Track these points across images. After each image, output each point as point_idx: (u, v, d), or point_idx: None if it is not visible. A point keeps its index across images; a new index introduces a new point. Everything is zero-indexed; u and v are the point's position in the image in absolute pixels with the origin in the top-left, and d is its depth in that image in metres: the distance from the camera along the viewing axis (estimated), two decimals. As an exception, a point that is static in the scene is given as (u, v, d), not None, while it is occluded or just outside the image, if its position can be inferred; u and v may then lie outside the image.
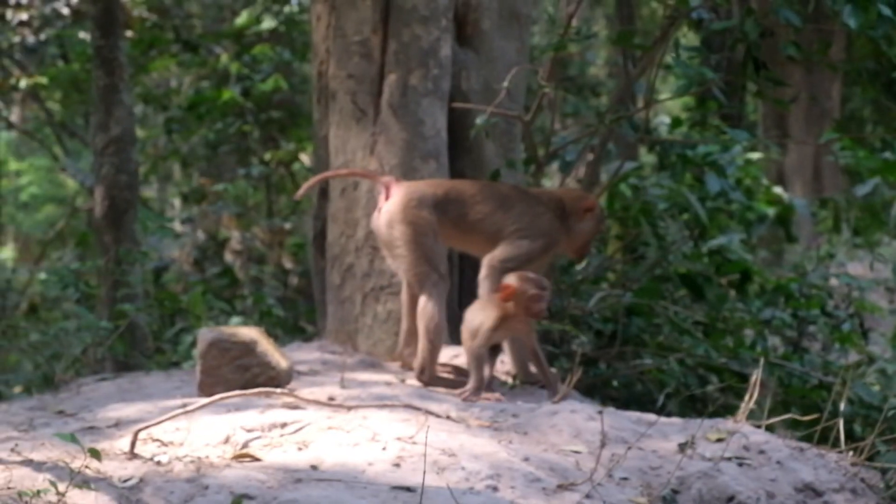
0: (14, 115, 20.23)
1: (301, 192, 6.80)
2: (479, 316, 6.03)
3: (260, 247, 13.17)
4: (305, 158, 13.95)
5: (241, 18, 15.53)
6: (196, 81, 17.00)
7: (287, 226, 12.63)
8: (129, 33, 15.13)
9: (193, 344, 7.29)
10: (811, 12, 6.45)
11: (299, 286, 11.96)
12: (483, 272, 6.32)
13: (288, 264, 12.37)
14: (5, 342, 8.61)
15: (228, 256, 13.48)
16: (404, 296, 6.46)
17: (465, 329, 6.06)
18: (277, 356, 5.73)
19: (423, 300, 6.23)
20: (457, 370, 6.48)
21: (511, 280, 5.95)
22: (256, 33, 15.09)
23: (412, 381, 6.17)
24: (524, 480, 4.29)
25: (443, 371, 6.36)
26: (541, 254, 6.41)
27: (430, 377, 6.14)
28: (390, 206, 6.28)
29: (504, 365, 6.63)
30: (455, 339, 6.65)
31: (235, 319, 9.37)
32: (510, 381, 6.50)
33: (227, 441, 4.52)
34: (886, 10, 6.04)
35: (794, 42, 6.94)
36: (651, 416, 5.52)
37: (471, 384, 5.89)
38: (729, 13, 13.86)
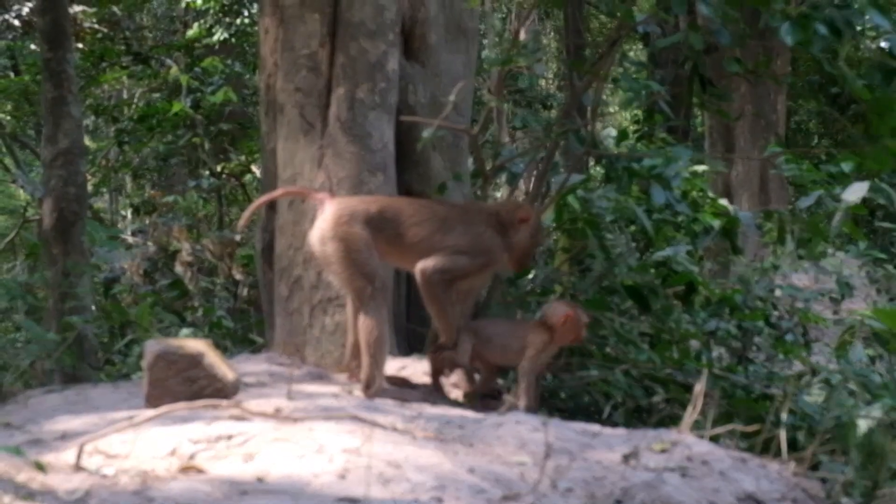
0: (-35, 127, 20.14)
1: (242, 221, 6.85)
2: (524, 338, 6.40)
3: (210, 258, 13.12)
4: (257, 170, 13.96)
5: (193, 30, 15.53)
6: (147, 93, 16.99)
7: (237, 237, 12.61)
8: (79, 45, 15.11)
9: (142, 356, 7.29)
10: (758, 28, 6.52)
11: (250, 298, 11.93)
12: (420, 281, 6.32)
13: (238, 276, 12.33)
14: (-46, 355, 8.58)
15: (179, 268, 13.41)
16: (349, 309, 6.47)
17: (503, 348, 6.41)
18: (224, 368, 5.73)
19: (361, 315, 6.25)
20: (403, 382, 6.51)
21: (568, 308, 6.40)
22: (207, 45, 15.10)
23: (359, 392, 6.18)
24: (469, 492, 4.29)
25: (390, 383, 6.37)
26: (479, 270, 6.43)
27: (376, 391, 6.15)
28: (321, 223, 6.31)
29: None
30: (403, 350, 6.67)
31: (185, 331, 9.33)
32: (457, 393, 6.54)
33: (173, 453, 4.50)
34: (822, 30, 6.13)
35: (737, 58, 7.03)
36: (595, 427, 5.56)
37: (522, 402, 6.27)
38: (676, 28, 14.00)
